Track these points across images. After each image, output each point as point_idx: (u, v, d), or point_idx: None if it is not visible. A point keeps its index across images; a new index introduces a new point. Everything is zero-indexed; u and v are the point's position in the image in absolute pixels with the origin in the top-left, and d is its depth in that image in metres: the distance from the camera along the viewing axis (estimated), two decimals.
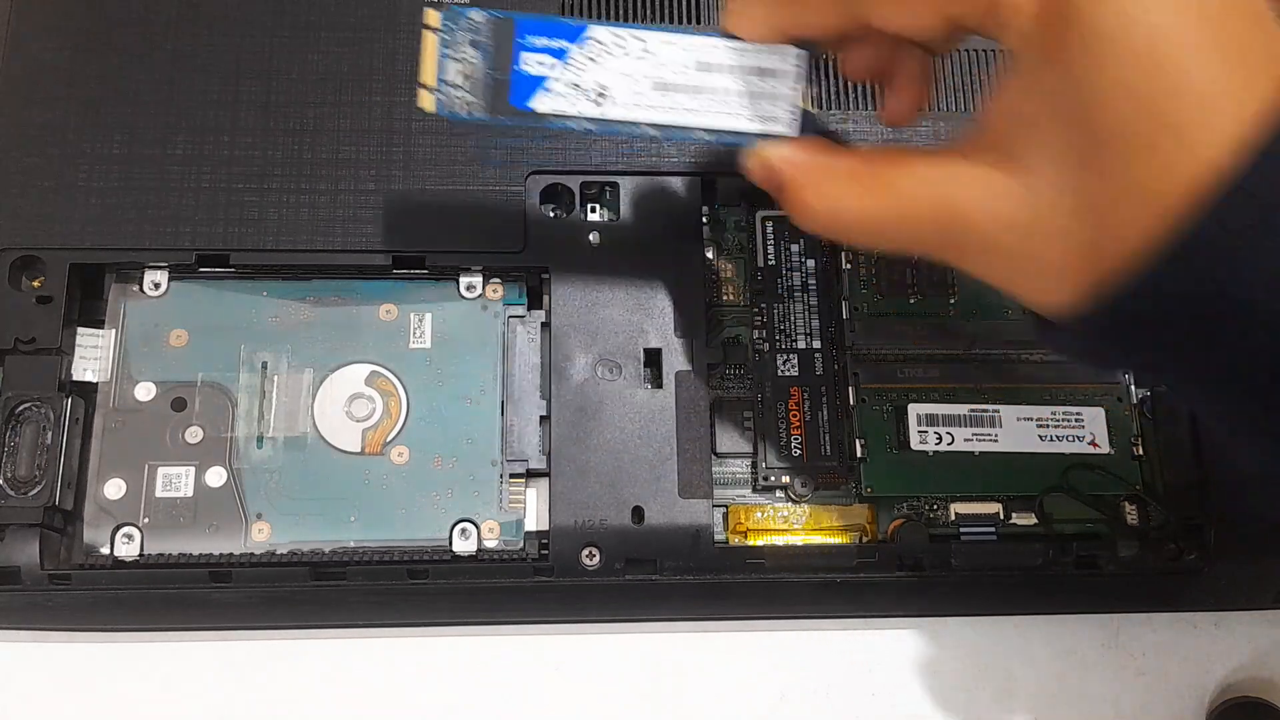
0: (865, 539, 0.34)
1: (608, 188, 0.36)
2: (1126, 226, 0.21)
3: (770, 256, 0.36)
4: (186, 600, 0.31)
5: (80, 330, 0.33)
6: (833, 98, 0.37)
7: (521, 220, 0.35)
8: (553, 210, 0.35)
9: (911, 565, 0.33)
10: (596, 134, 0.28)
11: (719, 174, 0.36)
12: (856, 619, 0.34)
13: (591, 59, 0.27)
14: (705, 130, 0.27)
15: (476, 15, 0.26)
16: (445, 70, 0.27)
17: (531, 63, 0.27)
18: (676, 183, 0.35)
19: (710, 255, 0.36)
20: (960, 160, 0.24)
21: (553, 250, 0.35)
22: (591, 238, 0.35)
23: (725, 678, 0.33)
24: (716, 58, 0.27)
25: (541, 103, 0.27)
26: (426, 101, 0.27)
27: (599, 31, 0.27)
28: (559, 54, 0.27)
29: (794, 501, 0.34)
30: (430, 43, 0.27)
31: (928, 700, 0.33)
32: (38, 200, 0.34)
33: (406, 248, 0.34)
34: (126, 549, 0.32)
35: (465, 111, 0.27)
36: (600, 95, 0.27)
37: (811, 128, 0.27)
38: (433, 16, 0.27)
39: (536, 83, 0.27)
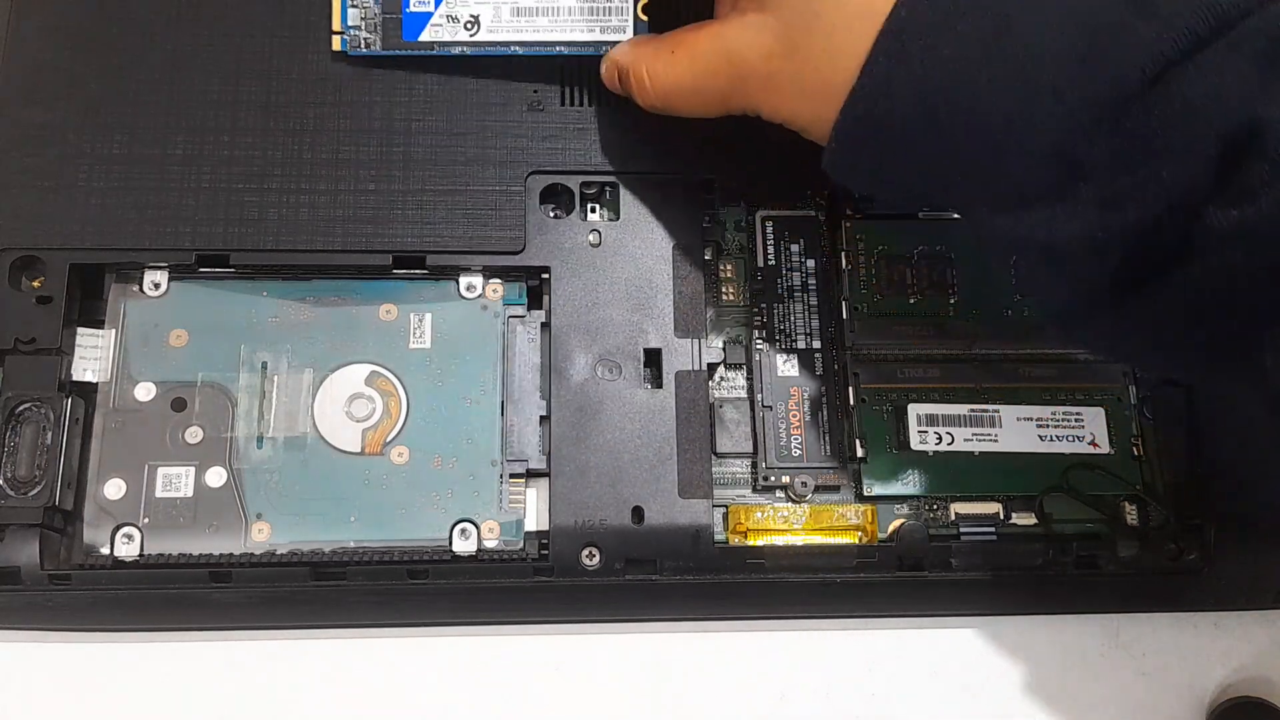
0: (865, 539, 0.34)
1: (608, 188, 0.36)
2: (847, 30, 0.25)
3: (770, 256, 0.36)
4: (186, 600, 0.31)
5: (80, 330, 0.33)
6: None
7: (521, 220, 0.35)
8: (553, 210, 0.35)
9: (911, 565, 0.33)
10: (472, 55, 0.35)
11: (719, 174, 0.36)
12: (856, 619, 0.34)
13: None
14: (561, 44, 0.34)
15: None
16: (349, 17, 0.34)
17: (416, 4, 0.34)
18: (676, 183, 0.35)
19: (710, 255, 0.36)
20: (734, 15, 0.29)
21: (553, 250, 0.35)
22: (591, 238, 0.35)
23: (725, 678, 0.33)
24: None
25: (427, 34, 0.34)
26: (336, 43, 0.35)
27: None
28: None
29: (794, 501, 0.34)
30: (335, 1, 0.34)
31: (928, 700, 0.33)
32: (38, 200, 0.34)
33: (406, 248, 0.34)
34: (126, 549, 0.32)
35: (365, 47, 0.34)
36: (471, 23, 0.34)
37: (646, 31, 0.34)
38: None
39: (423, 19, 0.34)
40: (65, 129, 0.34)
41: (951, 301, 0.36)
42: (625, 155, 0.35)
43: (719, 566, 0.32)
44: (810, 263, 0.36)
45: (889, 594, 0.33)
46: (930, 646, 0.34)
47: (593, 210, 0.36)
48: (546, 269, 0.34)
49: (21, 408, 0.32)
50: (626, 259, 0.35)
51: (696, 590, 0.32)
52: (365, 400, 0.34)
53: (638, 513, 0.32)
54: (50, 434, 0.32)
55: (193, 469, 0.33)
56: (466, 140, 0.35)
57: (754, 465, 0.34)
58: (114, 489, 0.32)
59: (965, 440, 0.34)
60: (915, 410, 0.35)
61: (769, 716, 0.33)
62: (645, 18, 0.35)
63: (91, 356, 0.33)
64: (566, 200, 0.35)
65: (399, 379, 0.34)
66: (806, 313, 0.36)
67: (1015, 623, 0.34)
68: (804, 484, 0.34)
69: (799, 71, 0.27)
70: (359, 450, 0.33)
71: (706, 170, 0.36)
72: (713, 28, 0.30)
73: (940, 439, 0.34)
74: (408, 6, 0.34)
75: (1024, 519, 0.34)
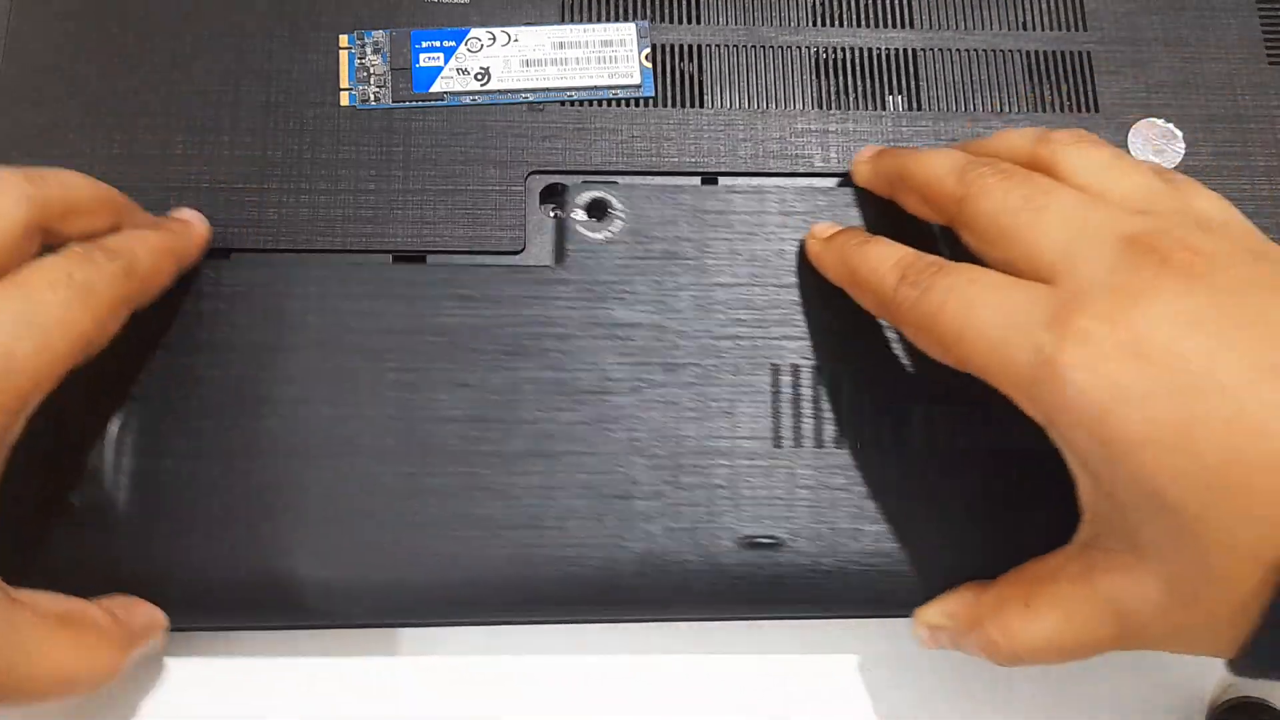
0: None
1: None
2: (1243, 580, 0.23)
3: None
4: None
5: None
6: (834, 98, 0.37)
7: (521, 220, 0.35)
8: (553, 210, 0.35)
9: None
10: (482, 104, 0.35)
11: (719, 173, 0.36)
12: (856, 619, 0.34)
13: (471, 51, 0.35)
14: (572, 89, 0.35)
15: (379, 33, 0.36)
16: (356, 74, 0.35)
17: (426, 60, 0.35)
18: (677, 182, 0.35)
19: None
20: (1096, 557, 0.26)
21: (553, 250, 0.35)
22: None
23: (725, 678, 0.33)
24: (571, 37, 0.35)
25: (438, 86, 0.35)
26: (344, 99, 0.35)
27: (477, 31, 0.35)
28: (448, 51, 0.35)
29: None
30: (343, 57, 0.35)
31: (928, 700, 0.33)
32: None
33: (406, 248, 0.34)
34: None
35: (374, 100, 0.35)
36: (481, 74, 0.35)
37: (651, 79, 0.36)
38: (342, 39, 0.36)
39: (433, 73, 0.35)
40: (65, 129, 0.34)
41: None
42: (626, 155, 0.35)
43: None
44: None
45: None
46: None
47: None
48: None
49: None
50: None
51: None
52: None
53: None
54: None
55: None
56: (466, 140, 0.35)
57: None
58: None
59: None
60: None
61: (769, 717, 0.33)
62: (649, 65, 0.36)
63: None
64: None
65: None
66: None
67: None
68: None
69: (1197, 622, 0.24)
70: None
71: (707, 170, 0.36)
72: (1073, 575, 0.26)
73: None
74: (417, 61, 0.35)
75: None
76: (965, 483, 0.32)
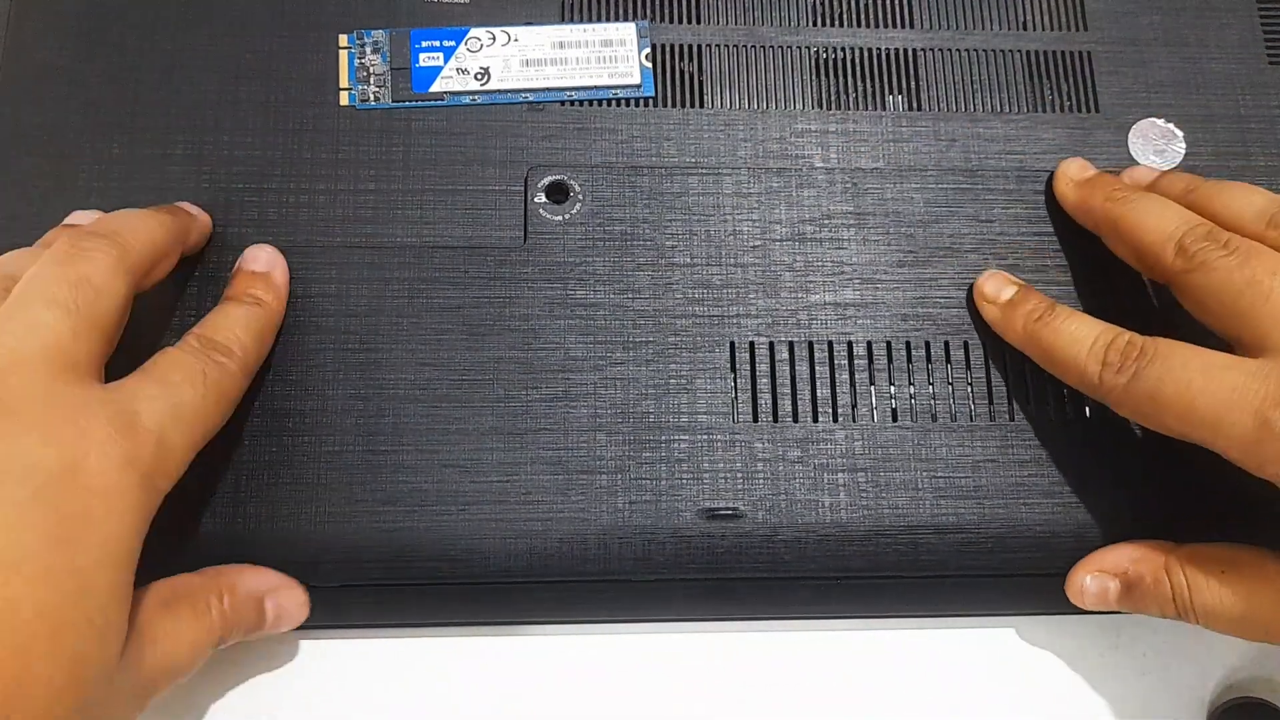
0: None
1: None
2: None
3: None
4: None
5: None
6: (834, 98, 0.37)
7: (521, 219, 0.35)
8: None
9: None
10: (482, 103, 0.35)
11: (722, 172, 0.36)
12: (857, 619, 0.34)
13: (471, 51, 0.35)
14: (572, 89, 0.35)
15: (379, 33, 0.36)
16: (355, 74, 0.35)
17: (426, 59, 0.35)
18: (679, 179, 0.35)
19: None
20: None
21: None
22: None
23: (725, 678, 0.33)
24: (571, 37, 0.36)
25: (437, 86, 0.35)
26: (344, 98, 0.35)
27: (477, 31, 0.35)
28: (448, 51, 0.35)
29: None
30: (343, 57, 0.35)
31: (928, 700, 0.33)
32: (38, 200, 0.34)
33: (407, 246, 0.34)
34: None
35: (374, 100, 0.35)
36: (481, 74, 0.35)
37: (651, 78, 0.36)
38: (342, 39, 0.36)
39: (433, 73, 0.35)
40: (65, 129, 0.34)
41: None
42: (626, 154, 0.35)
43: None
44: None
45: (889, 594, 0.33)
46: (931, 646, 0.34)
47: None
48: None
49: None
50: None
51: (696, 590, 0.32)
52: None
53: None
54: None
55: None
56: (466, 140, 0.35)
57: None
58: None
59: None
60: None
61: (769, 716, 0.33)
62: (649, 65, 0.36)
63: None
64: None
65: None
66: None
67: (1015, 623, 0.34)
68: None
69: None
70: None
71: (708, 168, 0.36)
72: (1277, 571, 0.29)
73: None
74: (417, 61, 0.35)
75: None
76: (920, 453, 0.33)
